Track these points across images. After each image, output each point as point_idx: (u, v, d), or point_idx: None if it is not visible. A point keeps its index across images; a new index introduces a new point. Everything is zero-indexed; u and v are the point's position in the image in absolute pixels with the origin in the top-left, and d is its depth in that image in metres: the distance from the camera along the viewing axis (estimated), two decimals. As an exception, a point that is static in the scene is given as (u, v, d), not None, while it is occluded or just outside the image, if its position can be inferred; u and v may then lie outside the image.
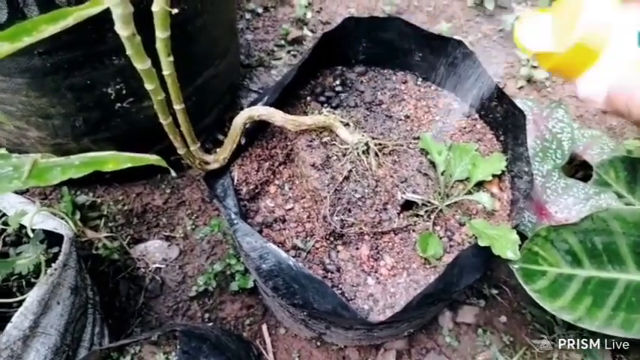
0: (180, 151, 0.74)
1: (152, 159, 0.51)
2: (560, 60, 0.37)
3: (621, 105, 0.34)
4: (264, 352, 1.07)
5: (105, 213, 1.20)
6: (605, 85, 0.35)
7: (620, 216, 0.78)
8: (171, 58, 0.63)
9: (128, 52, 0.57)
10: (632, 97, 0.33)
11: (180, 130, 0.73)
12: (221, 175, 0.80)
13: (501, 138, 0.86)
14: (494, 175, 0.81)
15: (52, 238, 0.85)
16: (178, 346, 0.83)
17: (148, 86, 0.62)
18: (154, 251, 1.18)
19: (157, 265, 1.16)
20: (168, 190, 1.25)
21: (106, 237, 1.15)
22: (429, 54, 0.90)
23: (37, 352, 0.77)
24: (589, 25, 0.34)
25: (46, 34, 0.45)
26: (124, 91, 0.96)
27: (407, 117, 0.89)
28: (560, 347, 1.08)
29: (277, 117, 0.76)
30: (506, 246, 0.70)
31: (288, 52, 1.55)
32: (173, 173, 0.58)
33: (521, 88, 1.52)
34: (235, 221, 0.72)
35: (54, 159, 0.47)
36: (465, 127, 0.89)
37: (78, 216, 1.15)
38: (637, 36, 0.33)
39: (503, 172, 0.82)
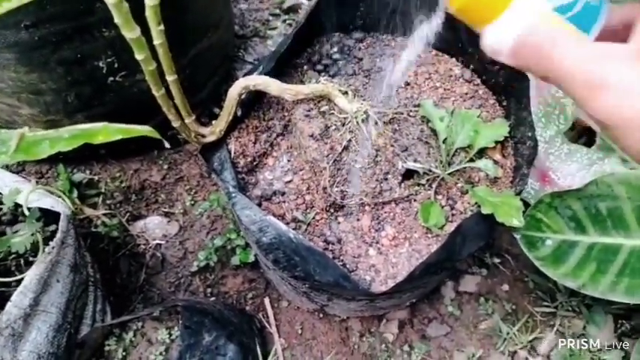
0: (175, 124, 0.72)
1: (143, 130, 0.49)
2: (466, 2, 0.34)
3: (525, 58, 0.32)
4: (267, 325, 1.08)
5: (102, 190, 1.19)
6: (510, 36, 0.32)
7: (626, 180, 0.77)
8: (162, 27, 0.60)
9: (116, 20, 0.55)
10: (537, 50, 0.31)
11: (175, 103, 0.71)
12: (217, 148, 0.78)
13: (504, 103, 0.84)
14: (496, 142, 0.79)
15: (49, 217, 0.84)
16: (180, 321, 0.83)
17: (138, 56, 0.60)
18: (153, 227, 1.17)
19: (157, 242, 1.15)
20: (165, 166, 1.23)
21: (105, 214, 1.14)
22: (429, 17, 0.86)
23: (38, 330, 0.77)
24: None
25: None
26: (115, 65, 0.93)
27: (407, 84, 0.87)
28: (562, 314, 1.08)
29: (273, 86, 0.74)
30: (509, 212, 0.68)
31: (284, 21, 1.51)
32: (167, 145, 0.56)
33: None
34: (233, 194, 0.70)
35: (42, 132, 0.46)
36: (466, 93, 0.86)
37: (75, 194, 1.14)
38: None
39: (506, 138, 0.80)
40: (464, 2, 0.34)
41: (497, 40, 0.33)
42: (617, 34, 0.33)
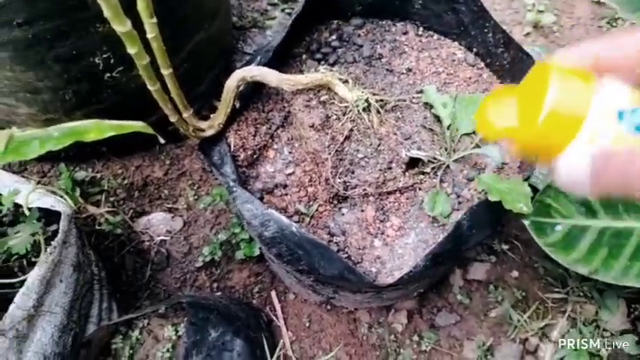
0: (172, 119, 0.71)
1: (136, 126, 0.48)
2: (531, 138, 0.33)
3: (609, 181, 0.30)
4: (274, 318, 1.07)
5: (105, 188, 1.18)
6: (587, 159, 0.31)
7: (637, 162, 0.74)
8: (155, 20, 0.59)
9: (105, 13, 0.53)
10: (623, 170, 0.29)
11: (171, 97, 0.69)
12: (217, 141, 0.76)
13: (509, 87, 0.82)
14: (502, 127, 0.77)
15: (51, 217, 0.84)
16: (185, 318, 0.82)
17: (130, 50, 0.58)
18: (157, 224, 1.16)
19: (162, 238, 1.14)
20: (168, 162, 1.22)
21: (108, 212, 1.13)
22: (430, 0, 0.84)
23: (43, 331, 0.76)
24: (558, 101, 0.31)
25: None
26: (112, 60, 0.92)
27: (409, 70, 0.85)
28: (574, 300, 1.06)
29: (271, 77, 0.72)
30: (517, 199, 0.66)
31: (283, 10, 1.49)
32: (161, 140, 0.55)
33: (527, 34, 1.45)
34: (234, 189, 0.69)
35: (31, 131, 0.44)
36: (470, 78, 0.84)
37: (78, 192, 1.13)
38: (617, 113, 0.31)
39: (512, 122, 0.78)
40: (526, 142, 0.34)
41: (574, 167, 0.31)
42: None
